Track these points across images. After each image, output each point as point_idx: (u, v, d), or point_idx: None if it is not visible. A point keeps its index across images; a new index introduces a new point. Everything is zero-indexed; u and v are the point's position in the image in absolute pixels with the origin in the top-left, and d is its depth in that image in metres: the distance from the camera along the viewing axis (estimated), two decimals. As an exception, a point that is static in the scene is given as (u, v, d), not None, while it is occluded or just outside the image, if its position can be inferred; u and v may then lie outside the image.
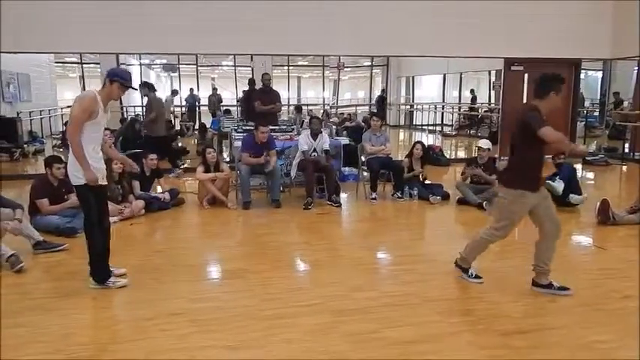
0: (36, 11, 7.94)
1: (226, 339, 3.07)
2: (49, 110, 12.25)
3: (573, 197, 6.09)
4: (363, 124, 11.05)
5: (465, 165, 6.80)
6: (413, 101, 19.43)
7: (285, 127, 7.90)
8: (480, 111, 16.54)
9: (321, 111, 14.82)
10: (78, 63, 14.58)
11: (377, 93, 19.50)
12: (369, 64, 19.89)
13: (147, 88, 8.74)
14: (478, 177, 6.54)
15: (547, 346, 3.01)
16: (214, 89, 15.16)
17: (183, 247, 4.96)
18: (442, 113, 17.73)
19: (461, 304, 3.63)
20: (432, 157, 9.80)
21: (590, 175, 9.44)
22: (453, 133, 16.48)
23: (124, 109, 14.11)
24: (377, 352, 2.92)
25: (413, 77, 19.45)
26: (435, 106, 18.17)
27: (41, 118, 11.21)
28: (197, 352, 2.92)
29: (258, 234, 5.56)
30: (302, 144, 6.60)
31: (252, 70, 16.63)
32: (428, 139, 14.47)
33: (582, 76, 12.04)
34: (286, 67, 17.87)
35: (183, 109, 15.16)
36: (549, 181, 6.07)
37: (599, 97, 15.88)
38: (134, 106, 15.01)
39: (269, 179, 6.56)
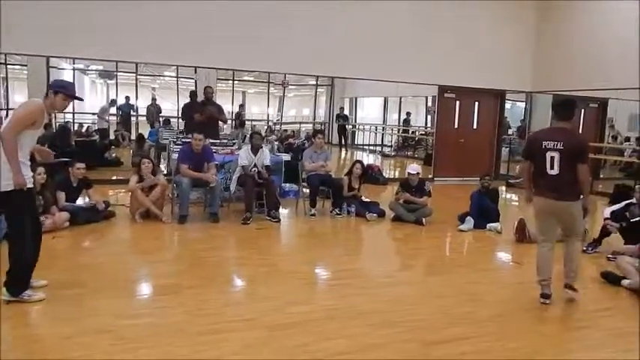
0: None
1: (153, 355, 2.97)
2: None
3: (490, 225, 6.48)
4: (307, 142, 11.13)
5: (399, 187, 7.02)
6: (355, 121, 19.82)
7: (226, 140, 7.82)
8: (416, 134, 17.15)
9: (265, 127, 14.79)
10: (2, 64, 13.79)
11: (321, 112, 19.71)
12: (315, 82, 20.13)
13: None
14: (410, 200, 6.77)
15: (465, 354, 3.15)
16: (153, 99, 14.75)
17: (112, 262, 4.72)
18: (382, 134, 18.21)
19: (392, 316, 3.71)
20: (371, 176, 10.01)
21: (513, 196, 10.04)
22: (392, 153, 16.96)
23: (54, 115, 13.42)
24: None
25: (356, 98, 19.88)
26: (376, 127, 18.64)
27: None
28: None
29: (194, 249, 5.45)
30: (242, 158, 6.56)
31: (196, 82, 16.46)
32: (368, 159, 14.80)
33: (508, 105, 13.02)
34: (231, 82, 17.71)
35: (118, 118, 14.62)
36: (460, 226, 6.47)
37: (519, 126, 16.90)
38: (65, 113, 14.34)
39: (208, 193, 6.45)
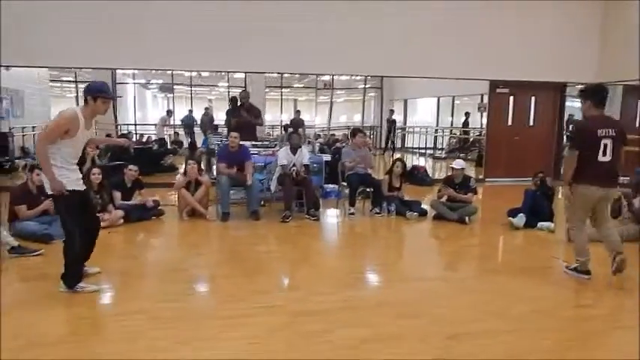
0: (28, 24, 8.12)
1: (179, 335, 3.17)
2: (42, 127, 12.39)
3: (542, 224, 6.23)
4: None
5: (442, 184, 6.95)
6: (405, 124, 19.69)
7: (267, 142, 8.07)
8: (470, 135, 16.78)
9: (313, 133, 15.05)
10: (73, 81, 14.92)
11: (371, 116, 19.79)
12: (363, 86, 20.22)
13: None
14: (452, 196, 6.68)
15: (493, 347, 3.11)
16: (206, 109, 15.45)
17: (157, 254, 5.12)
18: (435, 137, 17.99)
19: (417, 308, 3.73)
20: (416, 176, 9.98)
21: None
22: (443, 156, 16.68)
23: (119, 127, 14.41)
24: (323, 349, 3.02)
25: (406, 100, 19.77)
26: (427, 129, 18.45)
27: (33, 134, 11.40)
28: (150, 345, 3.02)
29: (232, 243, 5.70)
30: (281, 158, 6.76)
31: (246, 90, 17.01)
32: (418, 162, 14.65)
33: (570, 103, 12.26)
34: (284, 90, 18.24)
35: (177, 128, 15.42)
36: (510, 218, 6.27)
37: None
38: (127, 124, 15.36)
39: (247, 192, 6.69)
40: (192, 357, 2.91)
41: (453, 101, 17.78)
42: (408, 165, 11.27)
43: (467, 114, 16.74)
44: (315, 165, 7.74)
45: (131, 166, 6.40)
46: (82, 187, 3.89)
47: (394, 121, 17.55)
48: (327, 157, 8.27)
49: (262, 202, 7.22)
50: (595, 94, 4.20)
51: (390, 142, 17.20)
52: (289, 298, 3.86)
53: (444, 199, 6.78)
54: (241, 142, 6.84)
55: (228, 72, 16.48)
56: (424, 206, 7.05)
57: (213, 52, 8.87)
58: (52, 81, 14.65)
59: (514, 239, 6.01)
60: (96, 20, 8.33)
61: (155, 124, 15.59)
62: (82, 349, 2.97)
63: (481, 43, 9.77)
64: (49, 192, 3.74)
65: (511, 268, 4.85)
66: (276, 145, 7.92)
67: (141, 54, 8.75)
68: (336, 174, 7.62)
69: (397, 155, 16.38)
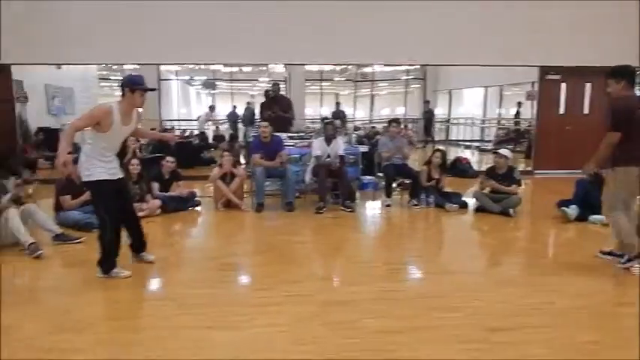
0: (73, 23, 8.41)
1: (209, 321, 3.17)
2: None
3: (594, 218, 5.85)
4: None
5: (483, 175, 6.69)
6: (449, 116, 19.22)
7: (303, 134, 8.02)
8: (521, 126, 16.15)
9: (353, 125, 14.94)
10: (118, 79, 15.37)
11: (416, 108, 19.39)
12: (406, 77, 19.87)
13: None
14: (495, 188, 6.41)
15: (528, 342, 2.93)
16: (248, 104, 15.63)
17: (191, 243, 5.22)
18: (482, 128, 17.44)
19: (452, 301, 3.58)
20: (459, 168, 9.69)
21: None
22: (490, 148, 16.14)
23: (163, 122, 14.81)
24: (353, 339, 2.94)
25: (451, 91, 19.27)
26: (473, 121, 17.92)
27: (84, 131, 11.84)
28: (178, 330, 3.04)
29: (265, 233, 5.70)
30: (315, 149, 6.68)
31: (287, 85, 17.12)
32: (463, 154, 14.24)
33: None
34: (319, 83, 18.19)
35: (220, 123, 15.70)
36: (564, 208, 5.95)
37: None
38: (170, 120, 15.79)
39: (283, 183, 6.67)
40: (219, 342, 2.89)
41: (501, 91, 17.18)
42: (451, 157, 11.02)
43: (519, 104, 16.08)
44: (351, 156, 7.64)
45: (168, 158, 6.50)
46: (115, 177, 3.92)
47: (432, 113, 17.11)
48: (363, 148, 8.12)
49: (297, 194, 7.19)
50: (631, 73, 4.08)
51: (428, 134, 16.79)
52: (320, 288, 3.79)
53: (486, 190, 6.52)
54: (275, 134, 6.82)
55: (268, 64, 16.66)
56: (465, 198, 6.81)
57: (253, 44, 8.88)
58: (101, 79, 15.17)
59: (562, 232, 5.70)
60: (139, 17, 8.52)
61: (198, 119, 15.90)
62: (111, 334, 3.01)
63: (530, 27, 9.25)
64: (88, 179, 3.81)
65: (556, 263, 4.61)
66: (311, 136, 7.85)
67: (182, 49, 8.85)
68: (374, 166, 7.50)
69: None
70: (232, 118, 15.45)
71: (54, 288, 3.79)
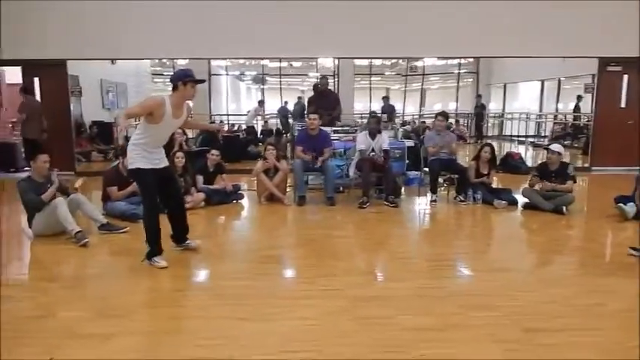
0: (126, 19, 8.67)
1: (241, 312, 3.18)
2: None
3: None
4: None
5: (533, 173, 6.39)
6: (504, 110, 18.53)
7: (348, 128, 7.94)
8: (581, 120, 15.35)
9: (401, 120, 14.71)
10: (172, 74, 15.87)
11: (469, 103, 18.83)
12: (457, 71, 19.33)
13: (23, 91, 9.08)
14: (548, 188, 6.09)
15: (573, 345, 2.75)
16: (299, 98, 15.70)
17: (232, 235, 5.30)
18: (537, 123, 16.70)
19: (492, 300, 3.42)
20: (510, 164, 9.33)
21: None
22: (546, 143, 15.44)
23: (211, 117, 15.18)
24: (383, 335, 2.87)
25: (505, 85, 18.57)
26: (527, 115, 17.19)
27: (136, 125, 12.29)
28: (210, 321, 3.07)
29: (305, 227, 5.69)
30: (359, 143, 6.59)
31: (336, 80, 17.07)
32: (517, 149, 13.72)
33: None
34: (369, 77, 18.02)
35: (271, 118, 15.86)
36: (621, 205, 5.58)
37: None
38: (220, 115, 16.13)
39: (324, 177, 6.63)
40: (248, 333, 2.90)
41: (559, 85, 16.39)
42: (503, 152, 10.63)
43: (579, 97, 15.28)
44: (397, 151, 7.50)
45: (213, 151, 6.60)
46: (159, 166, 4.01)
47: (483, 107, 16.54)
48: (410, 143, 7.94)
49: (341, 189, 7.14)
50: None
51: (479, 129, 16.25)
52: (355, 283, 3.72)
53: (537, 187, 6.21)
54: (323, 128, 6.79)
55: (317, 59, 16.65)
56: (515, 195, 6.52)
57: (302, 38, 8.86)
58: (153, 74, 15.67)
59: (619, 231, 5.35)
60: (190, 13, 8.68)
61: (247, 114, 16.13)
62: (146, 322, 3.08)
63: (589, 15, 8.76)
64: (133, 167, 3.94)
65: (611, 263, 4.35)
66: (356, 130, 7.76)
67: (232, 44, 8.94)
68: (420, 161, 7.33)
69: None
70: (283, 113, 15.58)
71: (96, 275, 3.93)
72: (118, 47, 8.91)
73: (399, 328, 2.95)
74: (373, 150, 6.57)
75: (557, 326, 2.99)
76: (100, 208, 5.43)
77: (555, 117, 16.35)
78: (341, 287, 3.60)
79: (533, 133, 16.49)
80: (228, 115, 17.05)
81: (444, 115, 7.03)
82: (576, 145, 13.61)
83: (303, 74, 19.70)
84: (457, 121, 15.43)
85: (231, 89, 20.18)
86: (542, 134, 16.35)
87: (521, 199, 6.35)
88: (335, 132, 7.55)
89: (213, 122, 12.55)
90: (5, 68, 9.88)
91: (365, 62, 18.31)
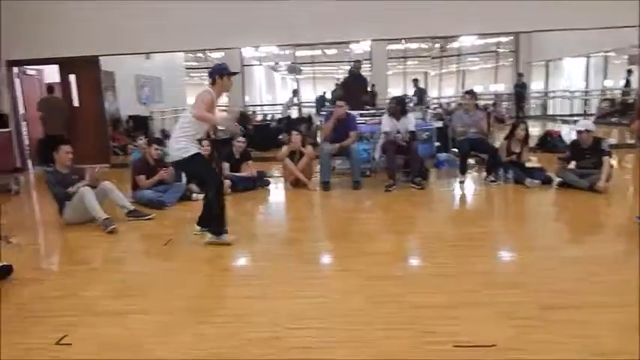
0: (163, 13, 8.77)
1: (257, 291, 3.22)
2: (179, 110, 13.71)
3: None
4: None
5: (567, 151, 6.11)
6: (546, 89, 17.82)
7: (374, 111, 7.84)
8: (630, 96, 14.54)
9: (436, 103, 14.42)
10: (205, 68, 16.13)
11: (510, 83, 18.20)
12: (495, 50, 18.73)
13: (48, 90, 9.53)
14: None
15: (590, 322, 2.63)
16: (336, 85, 15.72)
17: (255, 219, 5.39)
18: (584, 101, 15.98)
19: (513, 277, 3.32)
20: (549, 142, 8.99)
21: None
22: (592, 121, 14.75)
23: (245, 108, 15.39)
24: (389, 312, 2.83)
25: (547, 62, 17.84)
26: (573, 93, 16.46)
27: (173, 117, 12.55)
28: (228, 300, 3.19)
29: (328, 210, 5.72)
30: (384, 125, 6.48)
31: (371, 65, 16.95)
32: (560, 129, 13.17)
33: None
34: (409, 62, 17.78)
35: (306, 107, 15.94)
36: None
37: None
38: (254, 105, 16.34)
39: (350, 162, 6.58)
40: (257, 310, 2.93)
41: (606, 60, 15.60)
42: (541, 131, 10.26)
43: (629, 72, 14.49)
44: (425, 133, 7.35)
45: (240, 138, 6.65)
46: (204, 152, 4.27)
47: (524, 86, 15.91)
48: (438, 124, 7.76)
49: (368, 173, 7.08)
50: None
51: (520, 109, 15.67)
52: (373, 262, 3.68)
53: (571, 165, 5.95)
54: (348, 111, 6.74)
55: (350, 45, 16.51)
56: (549, 173, 6.26)
57: (335, 21, 8.70)
58: (188, 69, 15.99)
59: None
60: (222, 4, 8.73)
61: (282, 104, 16.21)
62: (160, 301, 3.13)
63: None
64: (177, 159, 4.08)
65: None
66: (383, 113, 7.65)
67: (263, 31, 8.94)
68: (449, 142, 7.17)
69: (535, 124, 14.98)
70: (321, 102, 15.58)
71: (120, 259, 4.08)
72: (148, 42, 9.09)
73: (408, 305, 2.90)
74: (399, 132, 6.45)
75: (576, 303, 2.86)
76: (130, 196, 5.59)
77: (603, 93, 15.57)
78: (359, 268, 3.58)
79: (578, 112, 15.80)
80: (262, 105, 17.24)
81: (472, 93, 6.83)
82: (625, 122, 12.93)
83: (338, 61, 19.60)
84: (495, 103, 14.94)
85: (266, 80, 20.38)
86: (588, 112, 15.64)
87: (556, 179, 6.09)
88: (361, 115, 7.47)
89: (241, 113, 12.65)
90: (44, 67, 10.26)
91: (400, 46, 18.02)
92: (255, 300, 3.09)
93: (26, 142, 9.50)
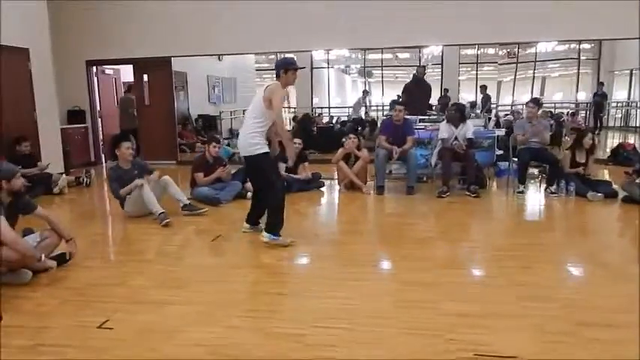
0: (237, 17, 9.10)
1: (287, 289, 3.35)
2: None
3: None
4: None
5: (638, 163, 5.72)
6: (629, 98, 16.61)
7: (435, 116, 7.73)
8: None
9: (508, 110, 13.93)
10: (276, 63, 16.56)
11: (588, 93, 17.18)
12: (576, 57, 17.71)
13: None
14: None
15: (622, 342, 2.51)
16: (445, 90, 15.63)
17: (303, 220, 5.41)
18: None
19: (551, 292, 3.19)
20: (621, 155, 8.43)
21: None
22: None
23: (313, 110, 15.64)
24: (417, 318, 2.82)
25: (632, 70, 16.62)
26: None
27: (242, 117, 13.02)
28: (255, 295, 3.30)
29: (379, 215, 5.70)
30: (442, 132, 6.39)
31: (442, 70, 16.68)
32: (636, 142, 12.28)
33: None
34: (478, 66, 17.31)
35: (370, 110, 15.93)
36: None
37: None
38: (322, 107, 16.53)
39: (406, 167, 6.54)
40: (287, 308, 3.04)
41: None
42: (614, 143, 9.66)
43: None
44: (487, 141, 7.15)
45: (295, 140, 6.77)
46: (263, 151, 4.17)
47: (604, 96, 14.93)
48: (500, 132, 7.50)
49: (425, 178, 7.00)
50: None
51: (598, 120, 14.73)
52: (411, 268, 3.67)
53: (638, 180, 5.57)
54: (407, 117, 6.71)
55: (422, 49, 16.27)
56: (616, 187, 5.90)
57: (405, 26, 8.62)
58: (258, 70, 16.46)
59: None
60: (289, 7, 8.91)
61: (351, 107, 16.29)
62: (198, 294, 3.29)
63: None
64: (249, 154, 4.13)
65: None
66: (443, 119, 7.52)
67: (334, 35, 9.01)
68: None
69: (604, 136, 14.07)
70: (393, 106, 15.52)
71: (169, 252, 4.32)
72: (218, 43, 9.46)
73: (437, 312, 2.88)
74: (456, 139, 6.33)
75: (613, 322, 2.73)
76: (188, 192, 5.88)
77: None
78: (395, 272, 3.60)
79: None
80: (329, 107, 17.40)
81: (536, 101, 6.56)
82: None
83: (408, 65, 19.33)
84: (573, 114, 14.19)
85: (337, 83, 20.51)
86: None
87: (622, 193, 5.73)
88: (421, 121, 7.39)
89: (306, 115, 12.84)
90: (120, 67, 10.98)
91: (471, 52, 17.55)
92: (285, 297, 3.20)
93: (101, 137, 10.16)
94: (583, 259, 3.91)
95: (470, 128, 6.41)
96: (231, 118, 13.14)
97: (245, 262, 3.98)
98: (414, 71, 9.55)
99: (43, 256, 3.38)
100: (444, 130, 6.40)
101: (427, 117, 7.68)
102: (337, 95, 21.61)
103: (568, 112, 14.34)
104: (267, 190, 4.19)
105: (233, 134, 12.55)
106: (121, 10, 9.35)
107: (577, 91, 17.49)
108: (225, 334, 2.67)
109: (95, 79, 10.07)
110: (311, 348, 2.52)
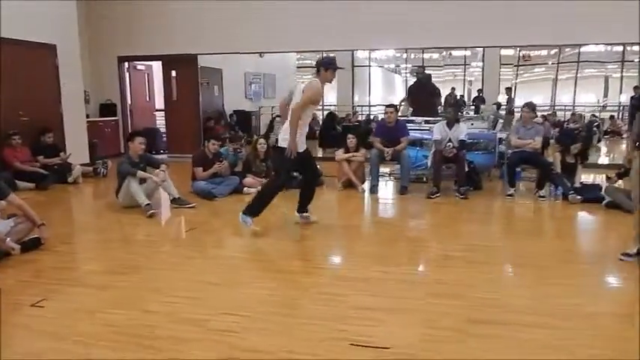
0: (275, 15, 9.39)
1: (217, 279, 3.53)
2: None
3: None
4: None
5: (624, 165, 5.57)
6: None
7: (441, 118, 7.72)
8: None
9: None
10: (317, 60, 16.80)
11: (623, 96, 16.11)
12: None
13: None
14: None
15: (504, 338, 2.61)
16: (452, 89, 15.43)
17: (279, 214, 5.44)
18: None
19: (467, 290, 3.27)
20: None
21: None
22: None
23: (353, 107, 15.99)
24: (322, 310, 3.01)
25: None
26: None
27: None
28: (187, 284, 3.46)
29: (358, 214, 5.89)
30: (435, 133, 6.44)
31: (483, 69, 16.33)
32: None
33: None
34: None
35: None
36: None
37: None
38: (362, 105, 16.70)
39: (400, 167, 6.64)
40: (206, 296, 3.25)
41: None
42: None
43: None
44: (491, 142, 7.11)
45: (260, 140, 6.92)
46: (301, 149, 4.44)
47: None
48: (501, 135, 7.38)
49: (425, 179, 7.10)
50: None
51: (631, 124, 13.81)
52: (350, 264, 3.95)
53: (619, 183, 5.51)
54: (400, 118, 6.81)
55: (467, 48, 15.93)
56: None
57: (456, 26, 8.63)
58: (300, 67, 16.77)
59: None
60: (334, 7, 9.10)
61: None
62: (147, 282, 3.56)
63: None
64: (282, 145, 4.36)
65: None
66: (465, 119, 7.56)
67: (380, 35, 9.11)
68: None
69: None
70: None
71: (138, 240, 4.65)
72: (262, 42, 9.77)
73: (344, 305, 3.03)
74: (450, 140, 6.35)
75: (505, 320, 2.83)
76: (190, 186, 6.29)
77: None
78: (333, 268, 3.91)
79: None
80: (369, 105, 17.49)
81: (530, 106, 6.46)
82: None
83: (462, 64, 18.91)
84: (612, 117, 13.53)
85: (384, 82, 20.40)
86: None
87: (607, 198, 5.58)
88: (426, 122, 7.45)
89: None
90: (152, 63, 11.54)
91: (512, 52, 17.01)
92: (214, 286, 3.38)
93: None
94: (523, 261, 3.96)
95: (463, 130, 6.43)
96: (272, 114, 13.50)
97: (202, 253, 4.20)
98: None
99: (8, 239, 3.77)
100: (438, 131, 6.45)
101: (432, 119, 7.68)
102: (388, 94, 21.44)
103: (611, 117, 13.72)
104: (274, 177, 4.47)
105: (271, 127, 12.88)
106: (151, 7, 9.85)
107: (620, 93, 16.46)
108: (138, 317, 2.88)
109: (127, 74, 10.64)
110: (211, 333, 2.71)
